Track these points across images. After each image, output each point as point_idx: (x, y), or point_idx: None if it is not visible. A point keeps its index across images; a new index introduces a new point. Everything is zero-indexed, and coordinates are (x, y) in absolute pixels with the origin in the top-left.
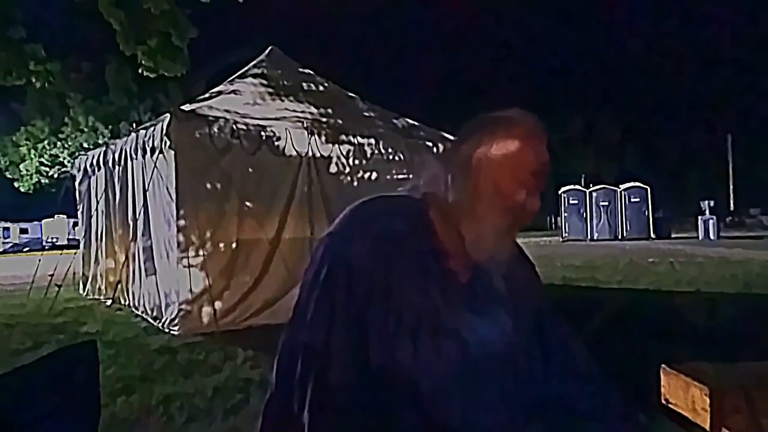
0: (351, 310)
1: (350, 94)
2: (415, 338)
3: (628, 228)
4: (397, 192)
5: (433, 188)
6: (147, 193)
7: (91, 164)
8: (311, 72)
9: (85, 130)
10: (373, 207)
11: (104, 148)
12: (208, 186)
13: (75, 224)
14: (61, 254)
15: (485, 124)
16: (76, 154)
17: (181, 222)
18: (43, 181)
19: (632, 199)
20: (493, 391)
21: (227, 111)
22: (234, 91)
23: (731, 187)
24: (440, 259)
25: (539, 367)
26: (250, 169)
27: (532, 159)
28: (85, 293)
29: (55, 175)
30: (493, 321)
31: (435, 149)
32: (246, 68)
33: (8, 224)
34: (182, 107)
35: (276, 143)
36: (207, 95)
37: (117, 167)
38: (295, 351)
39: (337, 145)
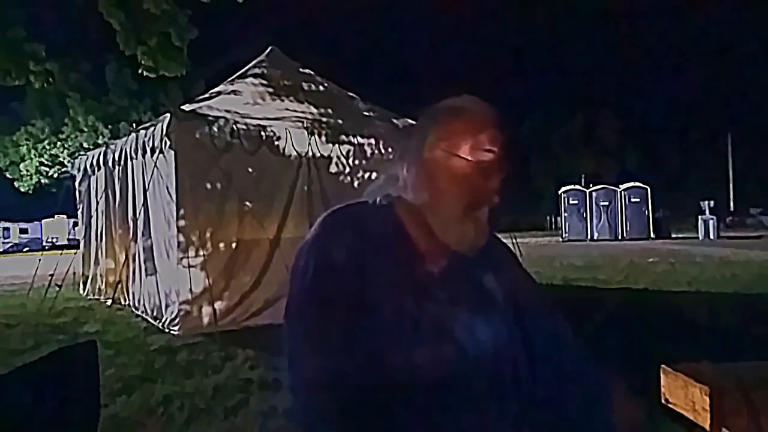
0: (342, 313)
1: (350, 94)
2: (398, 335)
3: (628, 228)
4: (363, 198)
5: (396, 189)
6: (147, 193)
7: (91, 164)
8: (311, 72)
9: (85, 130)
10: (344, 213)
11: (104, 148)
12: (208, 186)
13: (75, 224)
14: (61, 254)
15: (434, 115)
16: (76, 154)
17: (181, 222)
18: (43, 181)
19: (632, 199)
20: (476, 382)
21: (227, 111)
22: (234, 91)
23: (731, 187)
24: (415, 258)
25: (524, 360)
26: (250, 169)
27: (482, 141)
28: (85, 293)
29: (55, 175)
30: (473, 315)
31: None
32: (246, 68)
33: (8, 224)
34: (182, 107)
35: (276, 143)
36: (207, 95)
37: (117, 167)
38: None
39: (337, 145)
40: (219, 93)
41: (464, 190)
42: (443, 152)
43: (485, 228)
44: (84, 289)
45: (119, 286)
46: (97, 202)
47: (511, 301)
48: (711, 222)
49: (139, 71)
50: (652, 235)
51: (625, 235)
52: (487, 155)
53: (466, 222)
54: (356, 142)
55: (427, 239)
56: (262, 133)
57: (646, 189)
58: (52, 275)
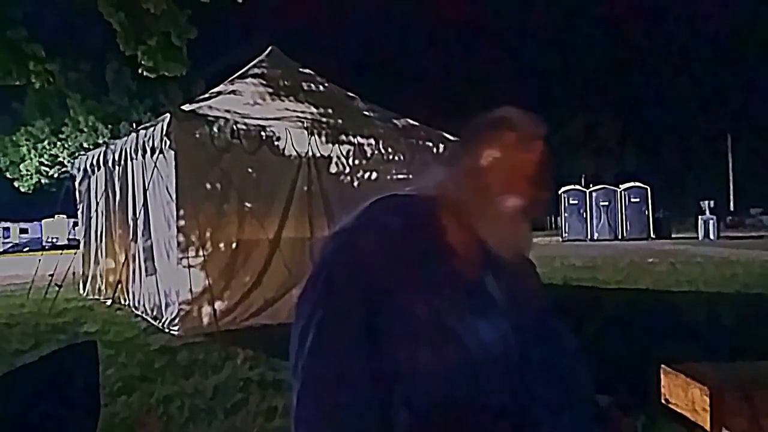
0: (363, 307)
1: (350, 94)
2: (420, 335)
3: (628, 228)
4: (407, 191)
5: (443, 190)
6: (147, 193)
7: (91, 164)
8: (311, 72)
9: (85, 130)
10: (385, 205)
11: (104, 148)
12: (208, 186)
13: (75, 224)
14: (61, 254)
15: (489, 126)
16: (76, 154)
17: (181, 222)
18: (43, 181)
19: (632, 199)
20: (489, 387)
21: (227, 111)
22: (234, 91)
23: (731, 187)
24: (449, 259)
25: (531, 370)
26: (250, 169)
27: (537, 155)
28: (85, 293)
29: (55, 175)
30: (499, 320)
31: (435, 149)
32: (246, 68)
33: (8, 224)
34: (182, 107)
35: (276, 143)
36: (207, 95)
37: (117, 167)
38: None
39: (337, 145)
40: (219, 93)
41: (522, 203)
42: (498, 162)
43: (530, 235)
44: (84, 289)
45: (119, 286)
46: (97, 202)
47: (531, 309)
48: (711, 222)
49: (139, 71)
50: (652, 235)
51: (625, 235)
52: (538, 165)
53: (518, 232)
54: (356, 142)
55: (464, 241)
56: (262, 133)
57: (646, 189)
58: (52, 275)
